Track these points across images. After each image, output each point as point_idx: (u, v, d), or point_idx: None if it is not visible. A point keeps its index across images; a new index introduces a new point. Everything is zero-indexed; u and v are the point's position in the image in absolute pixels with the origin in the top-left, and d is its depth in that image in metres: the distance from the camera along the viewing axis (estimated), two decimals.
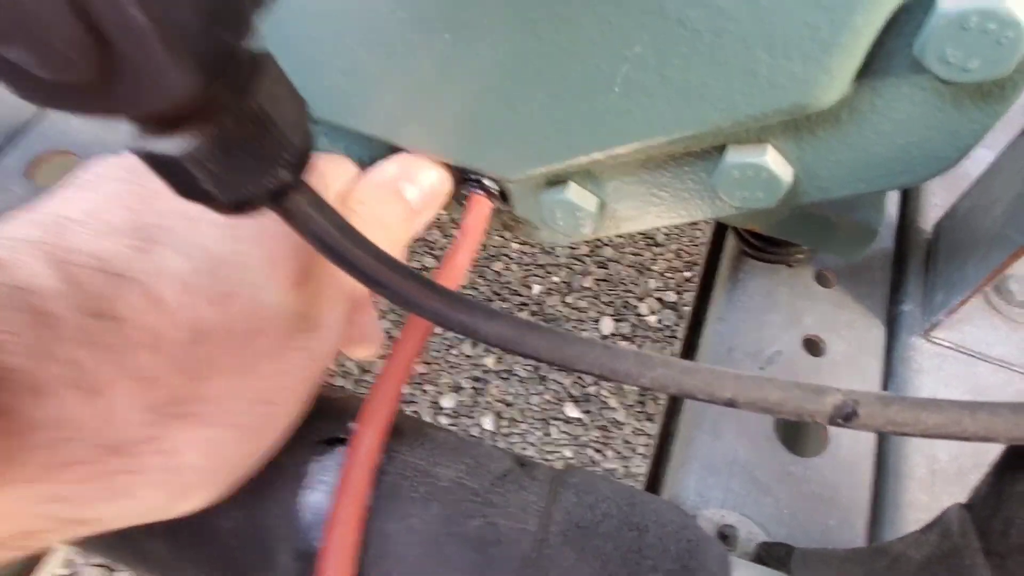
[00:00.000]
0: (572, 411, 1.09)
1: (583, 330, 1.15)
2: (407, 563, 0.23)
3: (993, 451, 0.21)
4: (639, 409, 1.10)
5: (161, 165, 0.14)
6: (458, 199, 0.31)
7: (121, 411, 0.18)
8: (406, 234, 0.28)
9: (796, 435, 0.35)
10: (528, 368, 1.12)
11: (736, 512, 0.32)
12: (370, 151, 0.32)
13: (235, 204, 0.15)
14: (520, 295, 1.19)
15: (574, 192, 0.29)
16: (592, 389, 1.11)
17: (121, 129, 0.14)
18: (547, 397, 1.10)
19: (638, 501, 0.25)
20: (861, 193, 0.25)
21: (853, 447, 0.34)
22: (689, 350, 0.42)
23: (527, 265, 1.22)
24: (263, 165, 0.14)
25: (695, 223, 1.12)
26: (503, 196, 0.31)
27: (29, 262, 0.18)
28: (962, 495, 0.22)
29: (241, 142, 0.13)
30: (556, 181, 0.29)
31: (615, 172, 0.28)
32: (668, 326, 1.17)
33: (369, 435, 0.24)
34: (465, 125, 0.27)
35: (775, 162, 0.25)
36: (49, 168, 0.39)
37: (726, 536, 0.31)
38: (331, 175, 0.26)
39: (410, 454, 0.25)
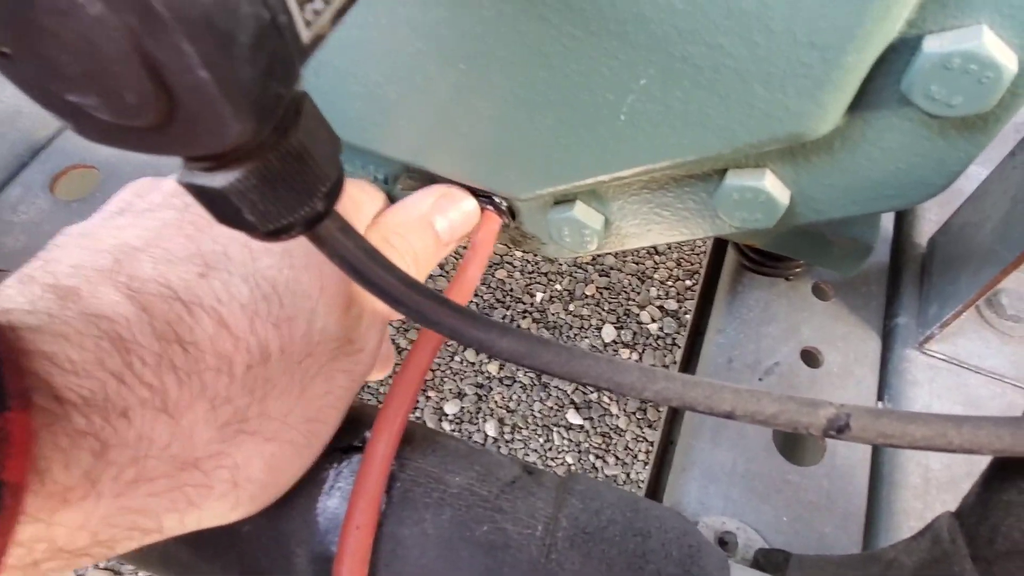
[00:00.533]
0: (574, 418, 1.10)
1: (585, 337, 1.16)
2: (420, 567, 0.24)
3: (983, 460, 0.22)
4: (640, 416, 1.11)
5: (205, 195, 0.15)
6: None
7: (196, 430, 0.20)
8: (433, 264, 0.29)
9: (794, 445, 0.36)
10: (531, 375, 1.13)
11: (736, 519, 0.33)
12: (386, 169, 0.33)
13: (272, 232, 0.16)
14: (523, 302, 1.19)
15: (580, 210, 0.30)
16: (594, 396, 1.12)
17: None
18: (549, 404, 1.11)
19: (641, 508, 0.26)
20: (855, 214, 0.27)
21: (849, 456, 0.35)
22: (690, 358, 0.43)
23: (530, 273, 1.23)
24: (302, 197, 0.15)
25: None
26: (512, 213, 0.32)
27: (103, 291, 0.19)
28: (954, 503, 0.23)
29: (283, 177, 0.15)
30: (563, 200, 0.30)
31: (620, 192, 0.30)
32: (669, 334, 1.17)
33: (383, 443, 0.25)
34: (478, 148, 0.28)
35: (773, 185, 0.26)
36: (72, 182, 0.40)
37: (726, 542, 0.32)
38: (364, 201, 0.28)
39: (423, 461, 0.26)
